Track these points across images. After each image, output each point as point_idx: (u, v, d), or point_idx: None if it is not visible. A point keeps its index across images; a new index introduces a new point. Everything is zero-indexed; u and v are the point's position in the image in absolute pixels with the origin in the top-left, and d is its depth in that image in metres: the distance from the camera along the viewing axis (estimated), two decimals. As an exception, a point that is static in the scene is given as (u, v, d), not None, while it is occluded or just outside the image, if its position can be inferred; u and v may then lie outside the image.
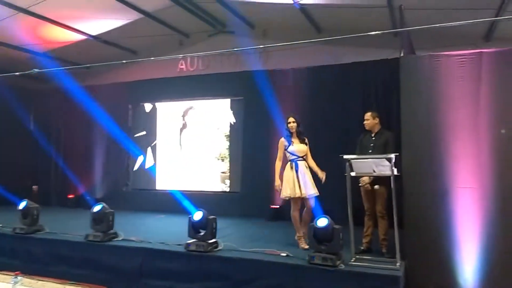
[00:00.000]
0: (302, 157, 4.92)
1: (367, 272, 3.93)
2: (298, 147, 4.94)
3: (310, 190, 4.79)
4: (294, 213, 4.87)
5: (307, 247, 4.60)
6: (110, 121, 8.74)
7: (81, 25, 7.27)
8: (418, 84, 4.35)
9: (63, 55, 8.25)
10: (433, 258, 4.07)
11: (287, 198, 4.91)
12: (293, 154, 4.95)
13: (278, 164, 5.00)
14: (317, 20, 7.03)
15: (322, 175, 4.87)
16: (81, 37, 7.61)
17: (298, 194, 4.79)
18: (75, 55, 8.22)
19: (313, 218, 4.57)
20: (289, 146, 4.96)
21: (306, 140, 5.01)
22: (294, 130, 4.97)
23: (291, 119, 4.98)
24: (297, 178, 4.82)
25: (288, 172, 4.89)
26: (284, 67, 7.39)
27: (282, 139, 5.03)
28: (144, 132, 8.86)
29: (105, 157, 8.88)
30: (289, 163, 4.95)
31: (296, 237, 4.92)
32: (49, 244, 5.40)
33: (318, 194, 4.85)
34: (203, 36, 7.96)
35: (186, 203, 5.77)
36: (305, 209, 4.89)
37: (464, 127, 4.11)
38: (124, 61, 5.65)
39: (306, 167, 4.89)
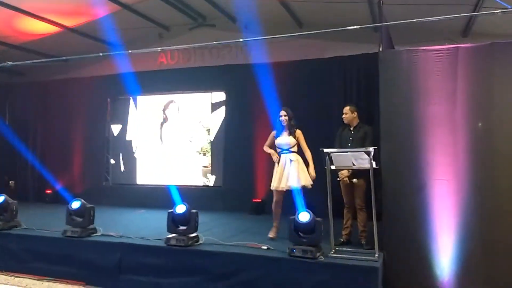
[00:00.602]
0: (287, 149, 4.94)
1: (346, 264, 3.99)
2: (283, 140, 4.97)
3: (289, 182, 4.80)
4: (274, 204, 4.98)
5: (271, 236, 4.85)
6: (89, 115, 8.62)
7: (58, 17, 7.08)
8: (396, 79, 4.41)
9: (39, 47, 8.05)
10: (410, 249, 4.15)
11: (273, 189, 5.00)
12: (278, 147, 5.02)
13: (264, 147, 5.13)
14: (299, 15, 7.04)
15: (311, 171, 4.88)
16: (58, 29, 7.42)
17: (277, 186, 4.88)
18: (52, 47, 8.02)
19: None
20: (276, 138, 5.01)
21: (297, 133, 4.99)
22: (285, 124, 4.98)
23: (282, 113, 4.99)
24: (281, 170, 4.88)
25: (276, 165, 4.97)
26: (266, 61, 7.37)
27: (274, 131, 5.08)
28: (122, 127, 8.74)
29: (84, 152, 8.72)
30: None
31: None
32: (26, 240, 5.28)
33: (306, 185, 4.81)
34: (184, 29, 7.88)
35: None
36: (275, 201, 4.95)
37: (441, 120, 4.18)
38: (101, 54, 5.53)
39: (293, 160, 4.89)
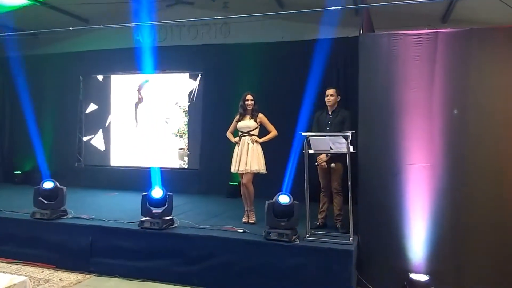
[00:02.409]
0: (247, 132, 4.92)
1: (321, 247, 4.02)
2: (243, 123, 4.97)
3: (245, 165, 4.81)
4: (241, 187, 5.00)
5: (244, 220, 4.91)
6: (60, 93, 8.30)
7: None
8: (376, 62, 4.39)
9: (7, 21, 7.62)
10: (384, 233, 4.21)
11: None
12: (239, 130, 5.01)
13: (228, 133, 5.17)
14: (280, -5, 6.89)
15: (258, 139, 4.91)
16: (27, 2, 7.04)
17: (235, 170, 4.90)
18: (21, 21, 7.60)
19: (250, 193, 4.86)
20: (238, 122, 5.00)
21: (260, 116, 4.96)
22: (251, 108, 4.92)
23: (248, 97, 4.96)
24: (239, 153, 4.89)
25: (235, 148, 4.99)
26: (245, 41, 7.23)
27: (237, 115, 5.08)
28: (95, 107, 8.47)
29: (55, 132, 8.41)
30: None
31: None
32: (-7, 222, 5.10)
33: (258, 171, 4.83)
34: (161, 6, 7.59)
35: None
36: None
37: (418, 106, 4.20)
38: (71, 28, 5.27)
39: (251, 143, 4.87)
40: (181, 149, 8.03)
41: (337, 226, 4.68)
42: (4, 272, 4.30)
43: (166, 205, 4.61)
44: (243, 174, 4.88)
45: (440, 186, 4.10)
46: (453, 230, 4.07)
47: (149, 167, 7.00)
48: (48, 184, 5.05)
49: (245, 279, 4.11)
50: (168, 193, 4.69)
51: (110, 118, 8.42)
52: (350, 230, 4.17)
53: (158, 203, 4.62)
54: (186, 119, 7.96)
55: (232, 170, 4.98)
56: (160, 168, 7.72)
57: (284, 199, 4.19)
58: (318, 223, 4.78)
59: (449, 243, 4.06)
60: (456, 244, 4.05)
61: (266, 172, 4.89)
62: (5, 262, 4.77)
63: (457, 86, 4.14)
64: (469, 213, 4.05)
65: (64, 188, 5.14)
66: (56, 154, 8.35)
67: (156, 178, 5.52)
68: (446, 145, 4.12)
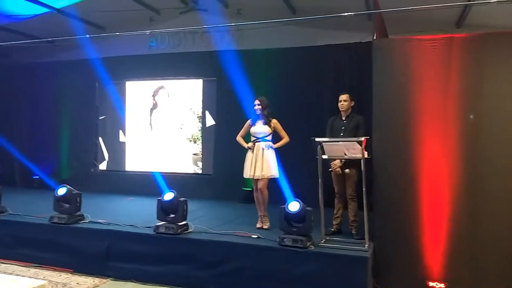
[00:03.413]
0: (261, 138, 4.95)
1: (336, 253, 4.00)
2: (257, 129, 4.98)
3: (261, 171, 4.82)
4: (254, 193, 4.99)
5: (258, 226, 4.91)
6: (76, 99, 8.44)
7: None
8: (390, 68, 4.37)
9: (26, 29, 7.82)
10: (401, 240, 4.17)
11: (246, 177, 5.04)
12: (253, 136, 5.03)
13: (238, 138, 5.19)
14: (292, 1, 6.93)
15: (272, 144, 4.92)
16: (45, 10, 7.20)
17: (250, 175, 4.91)
18: (38, 29, 7.79)
19: (264, 199, 4.88)
20: (251, 127, 5.02)
21: (273, 122, 4.98)
22: (259, 113, 4.97)
23: (256, 102, 5.01)
24: (253, 159, 4.90)
25: (248, 153, 4.99)
26: (258, 47, 7.28)
27: (249, 120, 5.09)
28: (110, 113, 8.60)
29: (72, 137, 8.55)
30: None
31: None
32: (12, 226, 5.22)
33: (274, 176, 4.84)
34: (175, 13, 7.70)
35: (162, 185, 5.67)
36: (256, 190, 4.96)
37: (433, 111, 4.17)
38: (87, 36, 5.37)
39: (266, 148, 4.89)
40: (195, 154, 8.09)
41: (352, 232, 4.65)
42: (23, 276, 4.39)
43: (179, 210, 4.62)
44: (257, 179, 4.89)
45: (457, 191, 4.05)
46: (471, 236, 4.01)
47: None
48: (62, 190, 5.14)
49: (259, 285, 4.11)
50: (182, 198, 4.72)
51: (126, 124, 8.53)
52: (365, 237, 4.14)
53: (172, 208, 4.66)
54: (199, 124, 8.02)
55: (246, 175, 4.99)
56: (174, 173, 7.88)
57: (293, 206, 4.17)
58: (332, 230, 4.76)
59: (467, 250, 4.00)
60: (474, 251, 3.99)
61: (278, 176, 4.89)
62: (24, 266, 4.86)
63: (472, 91, 4.10)
64: (487, 219, 3.98)
65: (78, 192, 5.19)
66: (73, 159, 8.51)
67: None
68: (462, 150, 4.07)
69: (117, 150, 8.56)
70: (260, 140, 4.95)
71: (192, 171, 8.09)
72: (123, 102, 8.56)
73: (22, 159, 8.76)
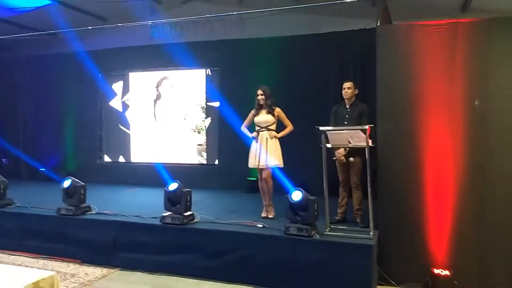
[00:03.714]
0: (265, 127, 4.94)
1: (341, 242, 4.02)
2: (261, 118, 4.98)
3: (265, 160, 4.83)
4: (259, 182, 5.02)
5: (263, 215, 4.94)
6: (80, 91, 8.45)
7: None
8: (394, 54, 4.33)
9: (27, 21, 7.80)
10: (405, 228, 4.18)
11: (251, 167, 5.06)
12: (257, 125, 5.03)
13: (242, 127, 5.19)
14: (295, -12, 6.84)
15: (277, 134, 4.93)
16: (46, 2, 7.17)
17: (255, 165, 4.92)
18: (40, 21, 7.76)
19: (269, 188, 4.90)
20: (255, 117, 5.02)
21: (277, 111, 4.97)
22: (262, 102, 4.96)
23: (259, 91, 4.99)
24: (257, 149, 4.90)
25: (253, 143, 4.99)
26: (261, 36, 7.22)
27: (253, 110, 5.09)
28: (116, 103, 8.61)
29: (77, 129, 8.59)
30: None
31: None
32: (20, 218, 5.28)
33: (278, 165, 4.85)
34: (176, 3, 7.65)
35: (165, 176, 5.70)
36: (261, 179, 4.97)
37: (438, 97, 4.14)
38: (90, 27, 5.36)
39: (270, 138, 4.89)
40: (199, 144, 8.10)
41: (357, 221, 4.66)
42: (32, 267, 4.46)
43: (182, 201, 4.63)
44: (262, 169, 4.90)
45: (462, 180, 4.04)
46: (476, 224, 4.01)
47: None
48: (67, 182, 5.17)
49: (264, 273, 4.14)
50: (186, 189, 4.73)
51: (130, 115, 8.54)
52: (370, 225, 4.15)
53: (177, 198, 4.67)
54: (203, 115, 8.01)
55: (250, 165, 5.01)
56: (179, 163, 7.91)
57: (296, 196, 4.17)
58: (337, 218, 4.77)
59: (472, 237, 4.00)
60: (479, 238, 3.99)
61: (282, 165, 4.90)
62: (33, 258, 4.93)
63: (478, 76, 4.05)
64: (492, 207, 3.97)
65: (84, 184, 5.21)
66: (79, 151, 8.56)
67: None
68: (467, 137, 4.05)
69: (122, 142, 8.59)
70: (263, 129, 4.95)
71: (197, 162, 8.11)
72: (126, 93, 8.56)
73: (28, 152, 8.84)
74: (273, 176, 4.94)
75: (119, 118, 8.59)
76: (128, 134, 8.55)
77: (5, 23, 7.74)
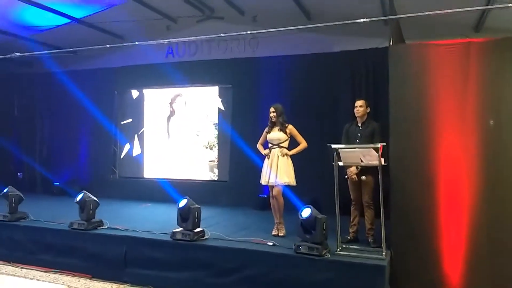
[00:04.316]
0: (276, 145, 4.95)
1: (353, 262, 3.95)
2: (273, 135, 5.01)
3: (276, 178, 4.83)
4: (271, 200, 5.01)
5: (274, 233, 4.90)
6: (96, 107, 8.61)
7: (65, 8, 7.06)
8: (406, 73, 4.33)
9: (47, 39, 8.05)
10: (418, 248, 4.11)
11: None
12: (269, 142, 5.05)
13: (258, 145, 5.23)
14: (308, 7, 6.93)
15: (288, 151, 4.93)
16: (65, 20, 7.41)
17: (265, 182, 4.93)
18: (60, 39, 8.00)
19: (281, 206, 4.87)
20: (268, 134, 5.06)
21: (289, 128, 4.99)
22: (275, 120, 5.00)
23: (271, 109, 5.04)
24: (269, 165, 4.92)
25: (265, 160, 5.02)
26: (274, 54, 7.30)
27: (267, 127, 5.13)
28: (130, 120, 8.75)
29: (92, 144, 8.73)
30: None
31: None
32: (33, 232, 5.34)
33: (289, 183, 4.83)
34: (191, 22, 7.81)
35: (172, 192, 5.71)
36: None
37: (452, 117, 4.11)
38: (107, 45, 5.50)
39: (281, 155, 4.89)
40: (211, 161, 8.14)
41: (369, 240, 4.59)
42: (43, 281, 4.49)
43: (193, 217, 4.63)
44: (273, 186, 4.89)
45: (476, 199, 3.97)
46: (492, 244, 3.92)
47: (180, 179, 7.17)
48: (80, 196, 5.24)
49: (275, 292, 4.09)
50: (195, 205, 4.74)
51: (144, 131, 8.66)
52: (382, 245, 4.09)
53: (186, 214, 4.68)
54: (216, 131, 8.07)
55: (262, 182, 5.01)
56: (191, 179, 7.94)
57: (305, 212, 4.14)
58: (349, 237, 4.71)
59: (487, 258, 3.91)
60: (494, 259, 3.90)
61: (295, 184, 4.89)
62: (44, 271, 4.96)
63: (492, 96, 4.03)
64: (507, 227, 3.89)
65: (95, 199, 5.26)
66: (92, 166, 8.67)
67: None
68: (482, 156, 3.99)
69: (135, 157, 8.68)
70: (275, 146, 4.96)
71: (208, 178, 8.13)
72: (141, 110, 8.69)
73: (43, 166, 9.00)
74: (285, 194, 4.92)
75: (132, 134, 8.70)
76: (142, 150, 8.64)
77: (26, 41, 8.00)
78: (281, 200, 4.90)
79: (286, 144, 4.99)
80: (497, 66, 4.02)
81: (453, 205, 4.03)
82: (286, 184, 4.85)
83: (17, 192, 5.74)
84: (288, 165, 4.90)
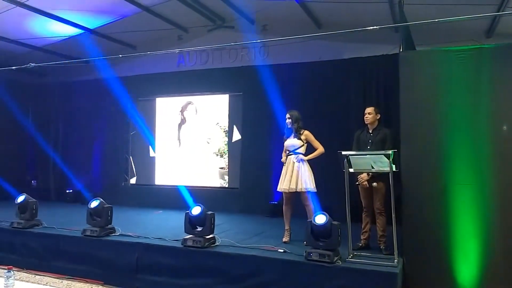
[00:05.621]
0: (292, 151, 4.95)
1: (365, 269, 3.91)
2: (289, 142, 5.01)
3: (289, 184, 4.81)
4: (284, 207, 5.01)
5: (285, 240, 4.89)
6: (109, 115, 8.73)
7: (79, 19, 7.21)
8: (417, 80, 4.32)
9: (61, 49, 8.21)
10: (431, 255, 4.06)
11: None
12: (286, 149, 5.06)
13: (283, 154, 5.18)
14: (317, 15, 6.98)
15: (305, 157, 4.91)
16: (79, 31, 7.56)
17: (279, 188, 4.93)
18: (73, 49, 8.16)
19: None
20: (284, 141, 5.06)
21: (305, 134, 4.98)
22: (290, 126, 5.01)
23: (287, 115, 5.05)
24: (284, 172, 4.92)
25: (284, 167, 5.01)
26: (284, 62, 7.34)
27: (285, 135, 5.14)
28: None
29: (104, 152, 8.85)
30: None
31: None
32: (46, 239, 5.38)
33: (305, 189, 4.80)
34: (202, 31, 7.92)
35: (188, 198, 5.73)
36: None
37: (463, 123, 4.07)
38: (120, 55, 5.60)
39: (296, 161, 4.88)
40: (221, 168, 8.17)
41: (381, 247, 4.55)
42: None
43: (207, 224, 4.66)
44: (288, 193, 4.88)
45: (490, 206, 3.92)
46: (506, 252, 3.86)
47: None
48: (94, 203, 5.28)
49: (286, 299, 4.07)
50: (209, 212, 4.76)
51: (155, 139, 8.74)
52: (394, 252, 4.05)
53: (200, 221, 4.71)
54: (226, 138, 8.12)
55: (278, 189, 5.00)
56: (201, 187, 7.98)
57: (320, 219, 4.12)
58: (360, 244, 4.68)
59: (502, 265, 3.85)
60: (509, 266, 3.83)
61: (315, 190, 4.84)
62: (57, 278, 4.99)
63: (504, 102, 3.99)
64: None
65: (110, 206, 5.30)
66: (105, 174, 8.77)
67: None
68: (494, 163, 3.95)
69: (147, 165, 8.76)
70: (291, 153, 4.96)
71: (218, 185, 8.16)
72: (153, 118, 8.79)
73: (57, 174, 9.13)
74: (295, 200, 4.91)
75: (146, 142, 8.79)
76: (154, 158, 8.71)
77: (40, 51, 8.18)
78: (310, 206, 4.81)
79: (302, 150, 4.96)
80: (509, 72, 3.99)
81: (466, 212, 3.97)
82: (300, 190, 4.81)
83: (34, 200, 5.82)
84: (304, 171, 4.85)
